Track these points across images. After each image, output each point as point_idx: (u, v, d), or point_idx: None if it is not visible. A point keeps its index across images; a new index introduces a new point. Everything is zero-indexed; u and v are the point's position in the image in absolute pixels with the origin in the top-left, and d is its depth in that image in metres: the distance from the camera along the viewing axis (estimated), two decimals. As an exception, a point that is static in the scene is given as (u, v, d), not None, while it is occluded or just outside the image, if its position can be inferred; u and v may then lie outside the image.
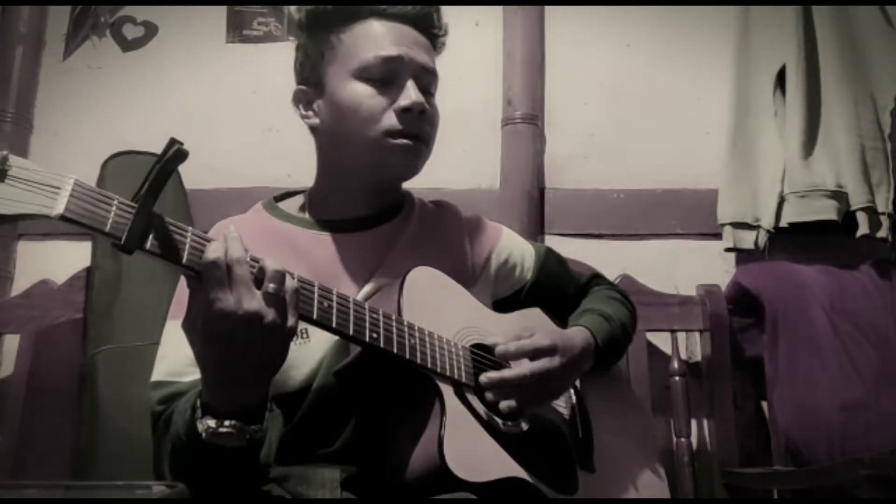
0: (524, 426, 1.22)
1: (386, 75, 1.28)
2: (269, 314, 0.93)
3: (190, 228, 0.94)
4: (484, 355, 1.26)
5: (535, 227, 2.13)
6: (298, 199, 1.41)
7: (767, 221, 2.03)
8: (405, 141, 1.27)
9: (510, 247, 1.48)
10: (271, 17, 2.32)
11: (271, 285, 0.94)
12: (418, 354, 1.13)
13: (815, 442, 1.83)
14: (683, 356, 2.02)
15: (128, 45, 2.33)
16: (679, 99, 2.25)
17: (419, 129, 1.29)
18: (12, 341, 1.95)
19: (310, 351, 1.20)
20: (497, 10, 2.30)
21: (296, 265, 1.10)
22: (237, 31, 2.32)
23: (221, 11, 2.33)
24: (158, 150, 0.90)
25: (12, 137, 2.21)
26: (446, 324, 1.22)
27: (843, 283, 1.97)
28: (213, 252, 0.92)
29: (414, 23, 1.33)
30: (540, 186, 2.19)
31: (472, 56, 2.27)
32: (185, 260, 0.92)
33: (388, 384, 1.16)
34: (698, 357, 2.04)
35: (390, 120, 1.27)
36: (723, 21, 2.20)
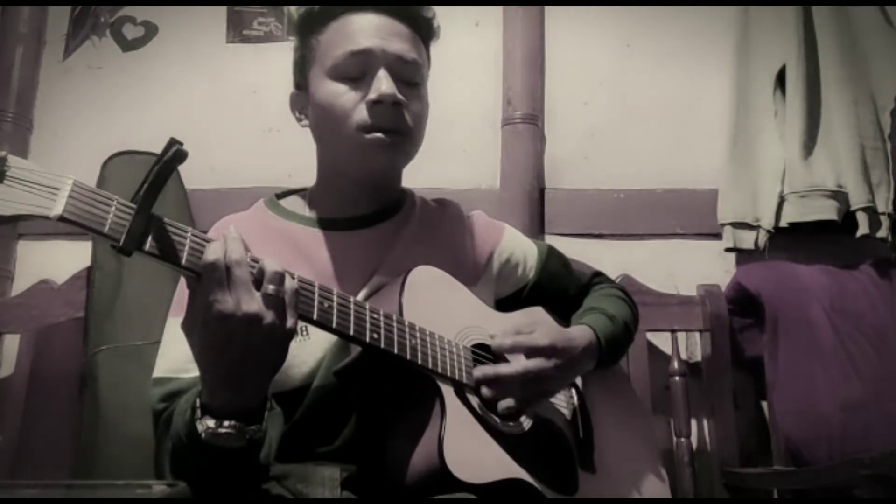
0: (525, 426, 1.22)
1: (358, 71, 1.26)
2: (269, 315, 0.93)
3: (189, 229, 0.94)
4: (485, 355, 1.26)
5: (536, 227, 2.13)
6: (300, 197, 1.40)
7: (767, 221, 2.03)
8: (378, 135, 1.24)
9: (512, 245, 1.48)
10: (271, 17, 2.32)
11: (270, 286, 0.94)
12: (419, 355, 1.13)
13: (815, 442, 1.83)
14: (683, 356, 2.01)
15: (128, 45, 2.33)
16: (679, 99, 2.25)
17: (393, 121, 1.25)
18: (12, 341, 1.95)
19: (310, 349, 1.19)
20: (497, 10, 2.30)
21: (296, 263, 1.10)
22: (237, 31, 2.32)
23: (221, 11, 2.34)
24: (158, 150, 0.90)
25: (12, 137, 2.21)
26: (448, 323, 1.22)
27: (843, 283, 1.97)
28: (212, 253, 0.92)
29: (392, 13, 1.29)
30: (540, 186, 2.19)
31: (471, 56, 2.27)
32: (184, 261, 0.92)
33: (388, 384, 1.16)
34: (698, 357, 2.04)
35: (361, 114, 1.24)
36: (723, 21, 2.20)
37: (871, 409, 1.81)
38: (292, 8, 2.27)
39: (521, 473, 1.14)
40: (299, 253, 1.27)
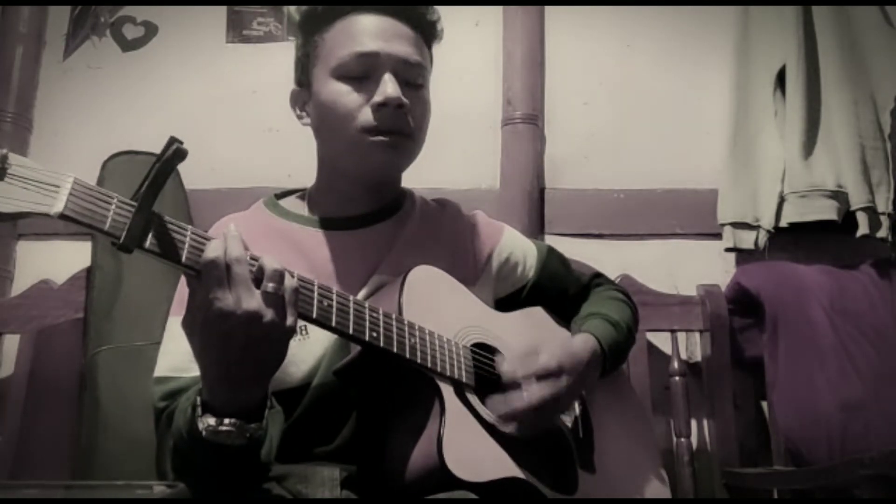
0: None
1: (363, 72, 1.26)
2: (268, 314, 0.93)
3: (189, 227, 0.94)
4: (485, 355, 1.26)
5: (536, 227, 2.13)
6: (299, 198, 1.40)
7: (767, 221, 2.03)
8: (382, 138, 1.25)
9: (512, 245, 1.47)
10: (271, 17, 2.33)
11: (270, 284, 0.94)
12: (418, 354, 1.12)
13: (815, 442, 1.83)
14: (683, 356, 2.02)
15: (128, 45, 2.33)
16: (679, 99, 2.25)
17: (397, 124, 1.26)
18: (12, 341, 1.95)
19: (310, 347, 1.19)
20: (497, 10, 2.30)
21: (296, 263, 1.10)
22: (237, 31, 2.33)
23: (221, 11, 2.34)
24: (158, 149, 0.90)
25: (12, 137, 2.21)
26: (447, 323, 1.22)
27: (843, 283, 1.97)
28: (212, 251, 0.92)
29: (397, 14, 1.30)
30: (540, 186, 2.19)
31: (472, 56, 2.28)
32: (184, 259, 0.92)
33: (387, 383, 1.16)
34: (698, 357, 2.04)
35: (366, 116, 1.25)
36: (723, 21, 2.21)
37: (871, 409, 1.81)
38: (292, 8, 2.26)
39: (520, 472, 1.14)
40: (299, 252, 1.27)
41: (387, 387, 1.16)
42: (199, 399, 0.98)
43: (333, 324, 1.04)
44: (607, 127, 2.25)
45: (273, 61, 2.27)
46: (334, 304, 1.05)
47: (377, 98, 1.24)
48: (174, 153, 0.89)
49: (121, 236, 0.87)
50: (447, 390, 1.14)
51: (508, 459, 1.15)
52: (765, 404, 1.98)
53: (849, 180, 1.99)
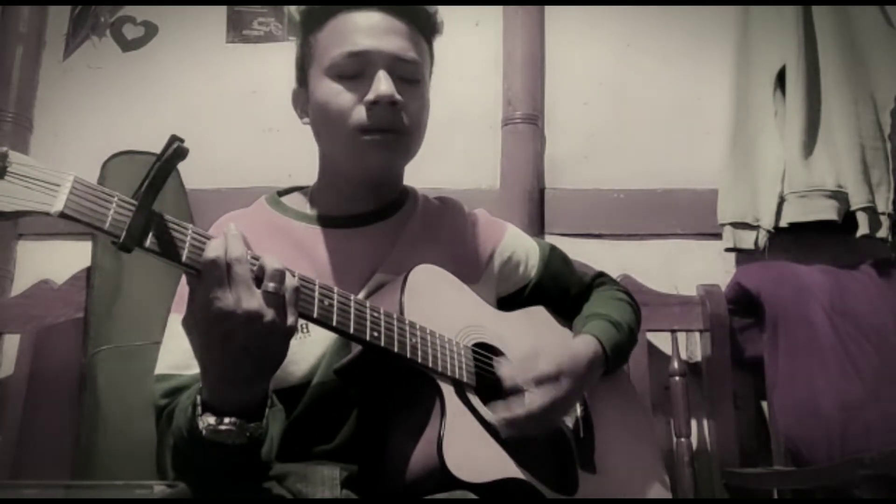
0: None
1: (356, 70, 1.25)
2: (269, 313, 0.93)
3: (190, 226, 0.94)
4: (486, 355, 1.25)
5: (536, 227, 2.13)
6: (302, 195, 1.40)
7: (767, 221, 2.03)
8: (376, 136, 1.24)
9: (514, 244, 1.47)
10: (271, 17, 2.32)
11: (271, 284, 0.94)
12: (419, 354, 1.12)
13: (815, 442, 1.83)
14: (683, 356, 2.01)
15: (128, 45, 2.33)
16: (679, 99, 2.25)
17: (391, 121, 1.25)
18: (12, 341, 1.95)
19: (310, 346, 1.19)
20: (497, 10, 2.30)
21: (298, 261, 1.10)
22: (237, 31, 2.32)
23: (221, 11, 2.34)
24: (158, 149, 0.90)
25: (12, 137, 2.21)
26: (448, 322, 1.22)
27: (843, 283, 1.97)
28: (212, 250, 0.92)
29: (390, 9, 1.28)
30: (540, 186, 2.19)
31: (471, 56, 2.28)
32: (184, 258, 0.92)
33: (388, 383, 1.16)
34: (698, 357, 2.04)
35: (360, 115, 1.24)
36: (723, 21, 2.21)
37: (871, 409, 1.81)
38: (292, 8, 2.29)
39: (520, 473, 1.14)
40: (300, 250, 1.27)
41: (387, 386, 1.16)
42: (199, 398, 0.98)
43: (334, 323, 1.04)
44: (607, 127, 2.25)
45: (273, 61, 2.27)
46: (335, 303, 1.05)
47: (370, 96, 1.23)
48: (175, 152, 0.89)
49: (121, 235, 0.86)
50: (448, 390, 1.14)
51: (509, 460, 1.15)
52: (765, 404, 1.98)
53: (849, 180, 1.99)
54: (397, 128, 1.26)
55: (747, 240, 2.05)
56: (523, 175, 2.17)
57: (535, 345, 1.28)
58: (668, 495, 1.45)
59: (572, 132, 2.26)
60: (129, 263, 1.91)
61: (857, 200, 1.98)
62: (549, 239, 2.10)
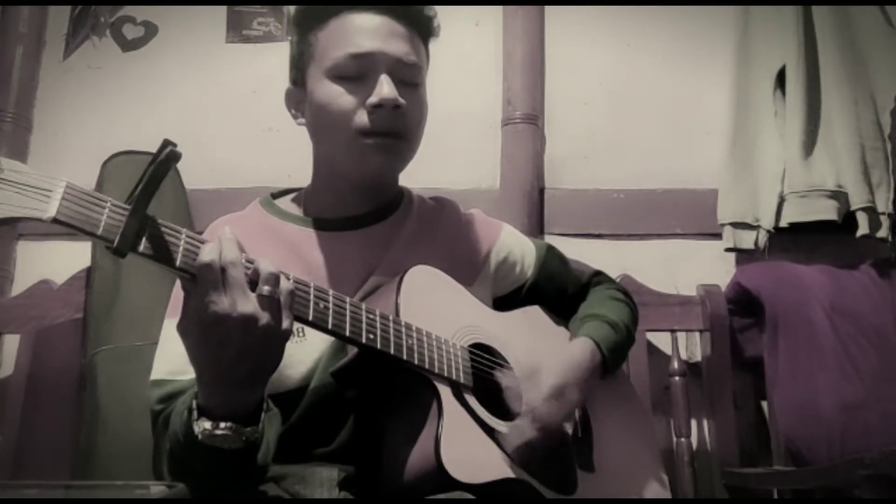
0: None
1: (358, 72, 1.25)
2: (264, 317, 0.93)
3: (184, 230, 0.94)
4: (482, 355, 1.25)
5: (535, 227, 2.13)
6: (296, 197, 1.40)
7: (767, 221, 2.02)
8: (377, 139, 1.24)
9: (510, 244, 1.47)
10: (271, 17, 2.33)
11: (266, 287, 0.94)
12: (416, 355, 1.12)
13: (815, 442, 1.82)
14: (683, 356, 2.01)
15: (128, 45, 2.33)
16: (679, 99, 2.25)
17: (393, 125, 1.25)
18: (12, 341, 1.96)
19: (306, 350, 1.19)
20: (497, 10, 2.30)
21: (292, 264, 1.09)
22: (237, 31, 2.33)
23: (221, 11, 2.34)
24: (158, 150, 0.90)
25: (12, 137, 2.22)
26: (445, 323, 1.22)
27: (843, 283, 1.97)
28: (207, 254, 0.92)
29: (392, 12, 1.28)
30: (540, 186, 2.19)
31: (472, 56, 2.27)
32: (178, 262, 0.92)
33: (385, 384, 1.16)
34: (698, 357, 2.04)
35: (361, 118, 1.23)
36: (723, 21, 2.20)
37: (871, 409, 1.81)
38: (292, 8, 2.28)
39: (518, 473, 1.14)
40: (295, 253, 1.26)
41: (384, 388, 1.16)
42: (195, 402, 0.98)
43: (330, 326, 1.04)
44: (607, 127, 2.25)
45: (273, 61, 2.26)
46: (331, 305, 1.04)
47: (372, 99, 1.23)
48: (168, 156, 0.89)
49: (114, 240, 0.86)
50: (445, 391, 1.14)
51: (507, 460, 1.15)
52: (765, 404, 1.98)
53: (849, 180, 1.99)
54: (398, 131, 1.26)
55: (747, 240, 2.05)
56: (523, 175, 2.17)
57: (533, 348, 1.29)
58: (667, 495, 1.45)
59: (572, 132, 2.25)
60: (129, 264, 1.89)
61: (857, 200, 1.98)
62: (549, 239, 2.10)
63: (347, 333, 1.05)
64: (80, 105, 2.30)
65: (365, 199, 1.34)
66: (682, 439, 1.91)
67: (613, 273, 1.67)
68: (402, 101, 1.24)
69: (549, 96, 2.27)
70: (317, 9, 1.30)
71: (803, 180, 2.00)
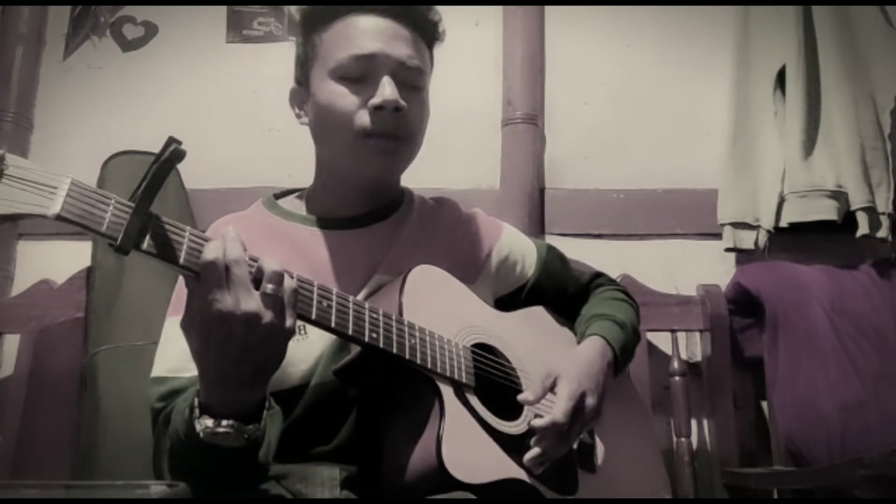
0: (524, 426, 1.22)
1: (361, 74, 1.25)
2: (268, 315, 0.93)
3: (188, 228, 0.94)
4: (485, 355, 1.25)
5: (536, 227, 2.13)
6: (298, 197, 1.40)
7: (767, 221, 2.03)
8: (378, 141, 1.25)
9: (511, 244, 1.47)
10: (271, 17, 2.33)
11: (269, 286, 0.94)
12: (418, 354, 1.12)
13: (815, 442, 1.83)
14: (683, 356, 2.01)
15: (128, 45, 2.33)
16: (679, 99, 2.25)
17: (394, 127, 1.25)
18: (12, 341, 1.95)
19: (308, 347, 1.19)
20: (497, 10, 2.30)
21: (295, 263, 1.09)
22: (237, 31, 2.32)
23: (221, 11, 2.34)
24: (158, 149, 0.90)
25: (12, 137, 2.21)
26: (447, 323, 1.21)
27: (843, 283, 1.97)
28: (211, 252, 0.92)
29: (396, 15, 1.28)
30: (540, 186, 2.19)
31: (472, 56, 2.27)
32: (182, 260, 0.92)
33: (387, 383, 1.16)
34: (698, 357, 2.04)
35: (363, 119, 1.24)
36: (723, 21, 2.20)
37: (871, 409, 1.81)
38: (292, 8, 2.29)
39: (519, 473, 1.14)
40: (298, 252, 1.26)
41: (386, 387, 1.16)
42: (196, 400, 0.98)
43: (333, 324, 1.04)
44: (607, 127, 2.25)
45: (273, 61, 2.26)
46: (334, 304, 1.04)
47: (375, 101, 1.23)
48: (172, 154, 0.89)
49: (118, 238, 0.86)
50: (447, 391, 1.13)
51: (508, 460, 1.15)
52: (765, 404, 1.98)
53: (849, 180, 1.99)
54: (400, 133, 1.26)
55: (747, 240, 2.05)
56: (523, 175, 2.17)
57: (536, 348, 1.29)
58: (668, 495, 1.46)
59: (572, 132, 2.26)
60: (130, 263, 1.91)
61: (857, 200, 1.98)
62: (549, 239, 2.11)
63: (350, 332, 1.05)
64: (81, 105, 2.29)
65: (366, 198, 1.35)
66: (682, 439, 1.91)
67: (613, 273, 1.68)
68: (403, 103, 1.24)
69: (549, 96, 2.27)
70: (322, 10, 1.31)
71: (803, 180, 2.00)
